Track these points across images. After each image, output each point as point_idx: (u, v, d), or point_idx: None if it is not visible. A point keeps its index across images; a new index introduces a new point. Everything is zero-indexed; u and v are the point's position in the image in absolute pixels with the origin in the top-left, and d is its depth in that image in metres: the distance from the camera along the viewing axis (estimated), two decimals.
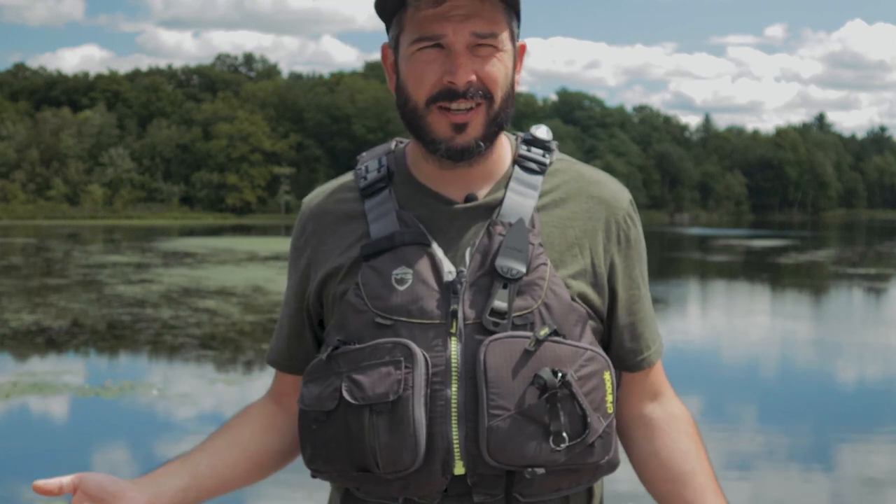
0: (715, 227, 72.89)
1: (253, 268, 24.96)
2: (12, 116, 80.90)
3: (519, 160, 1.56)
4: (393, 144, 1.63)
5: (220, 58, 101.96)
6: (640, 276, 1.60)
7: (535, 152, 1.58)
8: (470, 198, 1.52)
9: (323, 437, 1.45)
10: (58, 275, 22.83)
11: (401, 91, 1.50)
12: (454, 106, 1.45)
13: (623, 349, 1.58)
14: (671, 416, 1.61)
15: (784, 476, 6.92)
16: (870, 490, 6.58)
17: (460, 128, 1.46)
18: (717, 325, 15.76)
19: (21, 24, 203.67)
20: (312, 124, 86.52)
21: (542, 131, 1.60)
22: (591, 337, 1.50)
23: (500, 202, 1.51)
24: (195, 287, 19.48)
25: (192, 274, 22.78)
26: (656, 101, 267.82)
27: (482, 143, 1.48)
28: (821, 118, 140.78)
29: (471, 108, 1.46)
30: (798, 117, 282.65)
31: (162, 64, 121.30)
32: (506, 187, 1.53)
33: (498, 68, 1.46)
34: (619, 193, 1.60)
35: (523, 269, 1.45)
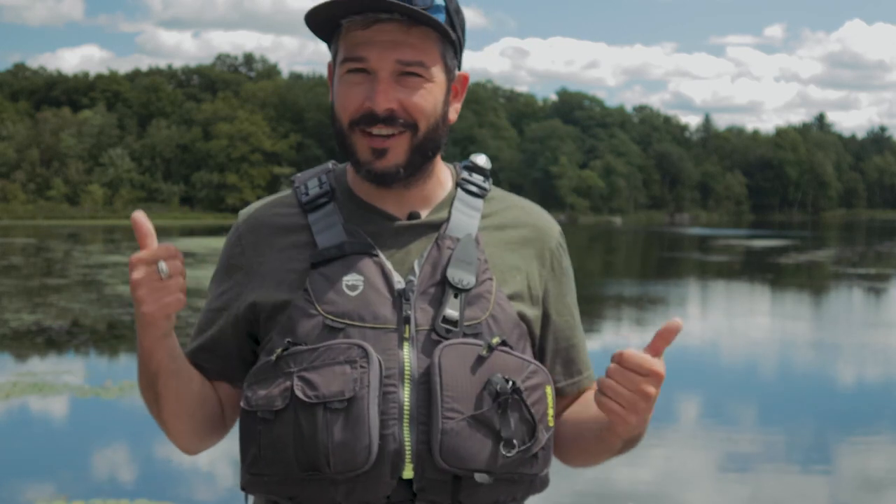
0: (715, 227, 72.88)
1: None
2: (12, 116, 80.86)
3: (461, 183, 1.61)
4: (330, 164, 1.66)
5: (220, 58, 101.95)
6: (572, 303, 1.66)
7: (476, 178, 1.62)
8: (413, 215, 1.56)
9: (270, 437, 1.44)
10: (58, 275, 22.84)
11: (332, 109, 1.54)
12: (374, 131, 1.48)
13: (555, 373, 1.62)
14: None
15: (783, 476, 6.92)
16: (869, 490, 6.58)
17: (379, 153, 1.49)
18: (717, 325, 15.76)
19: (21, 24, 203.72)
20: (312, 124, 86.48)
21: (481, 160, 1.64)
22: (532, 354, 1.55)
23: (445, 220, 1.56)
24: (195, 287, 19.43)
25: (192, 274, 22.75)
26: (656, 102, 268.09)
27: (403, 170, 1.50)
28: (821, 118, 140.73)
29: (392, 135, 1.48)
30: (798, 117, 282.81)
31: (162, 64, 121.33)
32: (450, 207, 1.58)
33: (424, 98, 1.48)
34: (551, 224, 1.66)
35: (473, 280, 1.49)
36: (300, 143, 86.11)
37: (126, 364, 11.62)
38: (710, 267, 29.23)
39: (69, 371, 10.51)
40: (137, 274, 1.39)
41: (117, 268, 24.66)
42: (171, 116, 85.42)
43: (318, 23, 1.49)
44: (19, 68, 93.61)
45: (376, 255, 1.50)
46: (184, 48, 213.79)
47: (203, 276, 22.64)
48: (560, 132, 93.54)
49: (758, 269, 28.98)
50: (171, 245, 1.41)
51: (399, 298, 1.47)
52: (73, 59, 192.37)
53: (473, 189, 1.60)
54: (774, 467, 7.11)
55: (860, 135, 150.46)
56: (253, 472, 1.48)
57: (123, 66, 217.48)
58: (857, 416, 8.84)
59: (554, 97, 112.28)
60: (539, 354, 1.60)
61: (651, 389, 1.39)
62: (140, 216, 1.42)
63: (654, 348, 1.41)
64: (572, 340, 1.64)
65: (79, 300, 17.22)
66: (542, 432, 1.46)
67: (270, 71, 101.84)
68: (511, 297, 1.54)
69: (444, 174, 1.62)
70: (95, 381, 9.88)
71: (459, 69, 1.57)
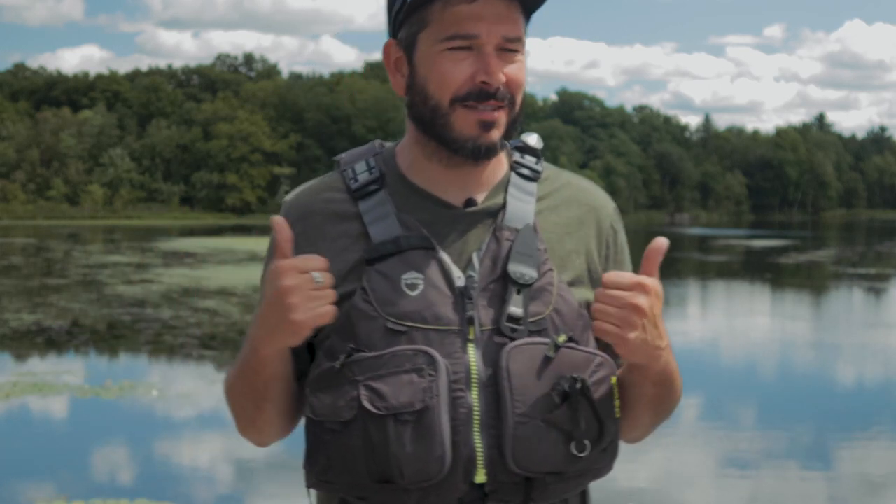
0: (715, 227, 72.87)
1: (253, 268, 24.95)
2: (12, 116, 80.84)
3: (515, 166, 1.56)
4: (377, 144, 1.60)
5: (220, 58, 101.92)
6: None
7: (529, 159, 1.57)
8: (470, 202, 1.51)
9: (339, 448, 1.40)
10: (58, 275, 22.83)
11: (417, 90, 1.48)
12: (481, 107, 1.44)
13: (612, 352, 1.56)
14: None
15: (783, 476, 6.92)
16: (868, 490, 6.58)
17: (488, 126, 1.45)
18: (717, 325, 15.76)
19: (21, 24, 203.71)
20: (312, 124, 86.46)
21: (533, 139, 1.60)
22: (595, 344, 1.50)
23: (501, 207, 1.51)
24: (195, 287, 19.48)
25: (192, 274, 22.78)
26: (655, 102, 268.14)
27: (499, 145, 1.49)
28: (821, 118, 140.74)
29: (496, 109, 1.46)
30: (797, 117, 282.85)
31: (162, 64, 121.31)
32: (505, 192, 1.53)
33: (521, 73, 1.48)
34: (605, 201, 1.63)
35: (535, 275, 1.45)
36: (300, 143, 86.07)
37: (126, 364, 11.62)
38: (710, 267, 29.24)
39: (69, 371, 10.51)
40: (290, 280, 1.34)
41: (117, 268, 24.66)
42: (171, 116, 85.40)
43: None
44: (19, 68, 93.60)
45: (434, 250, 1.45)
46: (184, 48, 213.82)
47: (203, 275, 22.70)
48: (560, 132, 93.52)
49: (758, 269, 28.98)
50: (318, 256, 1.38)
51: (460, 297, 1.43)
52: (73, 59, 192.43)
53: (526, 172, 1.56)
54: (774, 467, 7.11)
55: (860, 135, 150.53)
56: (322, 479, 1.45)
57: (123, 66, 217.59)
58: (857, 417, 8.84)
59: (554, 97, 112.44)
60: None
61: (639, 300, 1.37)
62: (280, 220, 1.39)
63: (646, 271, 1.41)
64: None
65: (79, 300, 17.22)
66: (609, 425, 1.44)
67: (270, 71, 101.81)
68: (571, 283, 1.50)
69: (499, 156, 1.56)
70: (95, 381, 9.87)
71: None
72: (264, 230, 54.70)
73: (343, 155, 1.58)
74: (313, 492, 1.53)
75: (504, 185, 1.54)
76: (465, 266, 1.46)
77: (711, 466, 7.12)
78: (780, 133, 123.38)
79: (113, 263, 26.23)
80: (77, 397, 9.28)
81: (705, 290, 22.48)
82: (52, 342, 12.64)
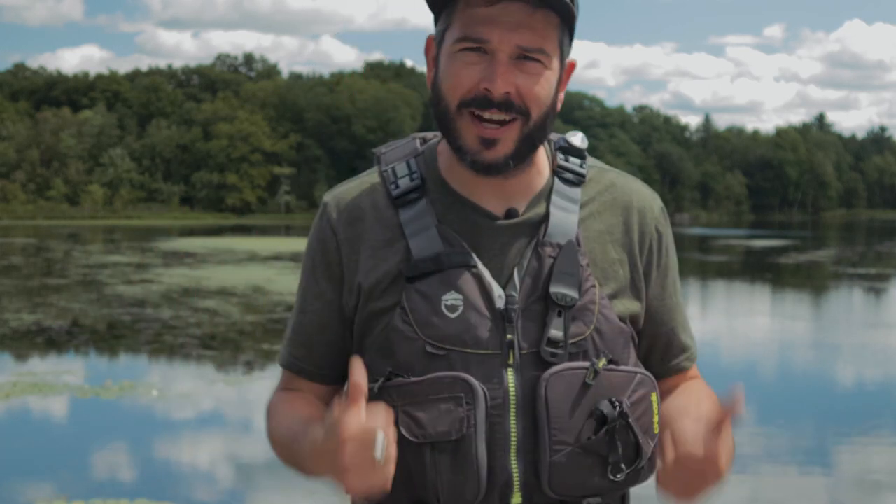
0: (715, 227, 72.88)
1: (253, 268, 24.95)
2: (12, 116, 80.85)
3: (558, 171, 1.51)
4: (418, 143, 1.55)
5: (220, 58, 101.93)
6: (672, 283, 1.57)
7: (573, 162, 1.52)
8: (511, 212, 1.47)
9: None
10: (58, 275, 22.84)
11: (436, 88, 1.44)
12: (486, 115, 1.39)
13: (657, 357, 1.57)
14: (688, 385, 1.61)
15: (783, 476, 6.92)
16: (868, 491, 6.58)
17: (489, 143, 1.40)
18: (717, 325, 15.77)
19: (20, 24, 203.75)
20: (312, 124, 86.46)
21: (577, 139, 1.55)
22: (636, 357, 1.49)
23: (543, 218, 1.47)
24: (195, 287, 19.47)
25: (192, 274, 22.78)
26: (655, 102, 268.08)
27: (512, 161, 1.42)
28: (821, 118, 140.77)
29: (504, 123, 1.40)
30: (797, 117, 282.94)
31: (161, 64, 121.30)
32: (547, 201, 1.48)
33: (541, 86, 1.40)
34: (651, 202, 1.56)
35: (577, 296, 1.42)
36: (300, 143, 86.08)
37: (126, 364, 11.62)
38: (710, 267, 29.23)
39: (69, 371, 10.51)
40: (351, 454, 1.23)
41: (117, 268, 24.66)
42: (171, 116, 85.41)
43: None
44: (19, 68, 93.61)
45: (475, 267, 1.42)
46: (183, 48, 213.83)
47: (203, 275, 22.70)
48: (560, 132, 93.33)
49: (758, 269, 28.98)
50: (385, 406, 1.27)
51: (500, 319, 1.40)
52: (73, 59, 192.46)
53: (570, 177, 1.50)
54: (774, 467, 7.11)
55: (860, 135, 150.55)
56: (363, 497, 1.41)
57: (123, 66, 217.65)
58: (857, 417, 8.84)
59: None
60: (642, 340, 1.55)
61: (711, 472, 1.35)
62: (358, 367, 1.25)
63: (718, 429, 1.39)
64: (671, 324, 1.56)
65: (79, 300, 17.22)
66: (647, 445, 1.42)
67: (270, 71, 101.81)
68: (614, 296, 1.47)
69: (541, 159, 1.52)
70: (95, 381, 9.87)
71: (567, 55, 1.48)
72: (264, 230, 54.74)
73: (382, 149, 1.54)
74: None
75: (547, 193, 1.49)
76: (506, 283, 1.43)
77: None
78: (780, 133, 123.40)
79: (113, 263, 26.23)
80: (77, 397, 9.28)
81: (705, 290, 22.48)
82: (52, 342, 12.64)
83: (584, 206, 1.50)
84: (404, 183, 1.48)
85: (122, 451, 7.59)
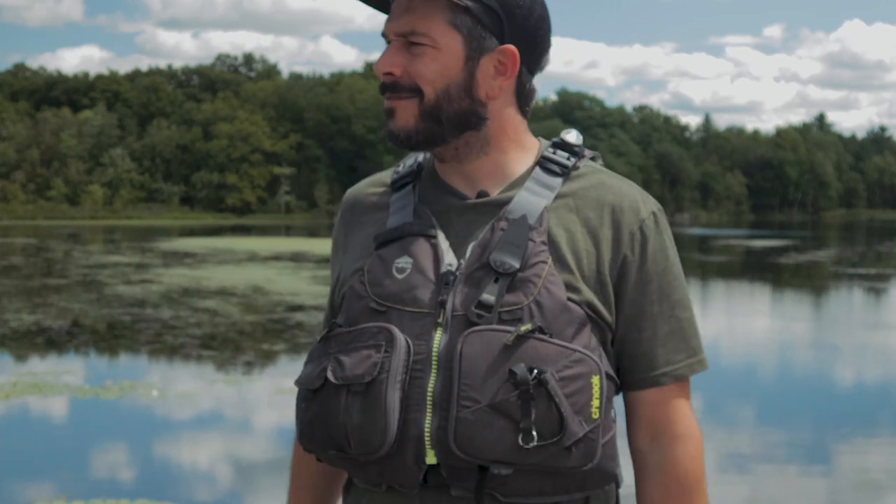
0: (715, 227, 72.88)
1: (253, 268, 24.96)
2: (12, 116, 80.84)
3: (541, 161, 1.56)
4: None
5: (220, 58, 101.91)
6: (655, 291, 1.52)
7: (560, 155, 1.57)
8: (482, 194, 1.54)
9: (308, 415, 1.48)
10: (58, 275, 22.84)
11: None
12: (388, 95, 1.52)
13: (622, 364, 1.54)
14: (660, 467, 1.53)
15: (782, 476, 6.93)
16: (867, 491, 6.58)
17: (389, 113, 1.53)
18: (717, 325, 15.77)
19: (20, 24, 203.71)
20: (312, 124, 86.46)
21: (572, 136, 1.61)
22: (589, 341, 1.44)
23: (510, 199, 1.52)
24: (195, 287, 19.48)
25: (192, 274, 22.78)
26: (655, 102, 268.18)
27: (413, 135, 1.51)
28: (821, 118, 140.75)
29: (396, 99, 1.51)
30: (797, 117, 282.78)
31: (161, 64, 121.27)
32: (520, 186, 1.54)
33: (426, 65, 1.48)
34: (637, 204, 1.55)
35: (516, 265, 1.44)
36: (300, 143, 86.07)
37: (126, 364, 11.63)
38: (710, 267, 29.23)
39: (69, 371, 10.52)
40: None
41: (117, 268, 24.66)
42: (171, 116, 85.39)
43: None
44: (19, 68, 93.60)
45: (433, 237, 1.50)
46: (183, 48, 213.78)
47: (203, 275, 22.69)
48: (560, 132, 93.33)
49: (758, 269, 28.99)
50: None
51: (441, 282, 1.46)
52: (73, 60, 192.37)
53: (554, 168, 1.55)
54: (773, 467, 7.11)
55: (860, 135, 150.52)
56: (303, 444, 1.53)
57: (123, 67, 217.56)
58: (857, 417, 8.85)
59: (554, 97, 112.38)
60: (622, 344, 1.52)
61: None
62: None
63: None
64: (646, 333, 1.52)
65: (79, 300, 17.23)
66: (576, 425, 1.38)
67: (270, 71, 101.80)
68: (573, 282, 1.46)
69: (516, 153, 1.56)
70: (95, 381, 9.88)
71: (505, 42, 1.50)
72: (264, 230, 54.75)
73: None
74: None
75: (523, 180, 1.55)
76: (462, 254, 1.49)
77: (710, 466, 7.12)
78: (780, 133, 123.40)
79: (113, 263, 26.23)
80: (77, 397, 9.28)
81: (705, 290, 22.48)
82: (52, 342, 12.64)
83: (563, 197, 1.53)
84: (404, 171, 1.62)
85: (122, 451, 7.60)
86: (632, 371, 1.54)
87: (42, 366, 10.92)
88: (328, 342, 1.49)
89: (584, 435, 1.39)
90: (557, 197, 1.52)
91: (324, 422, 1.45)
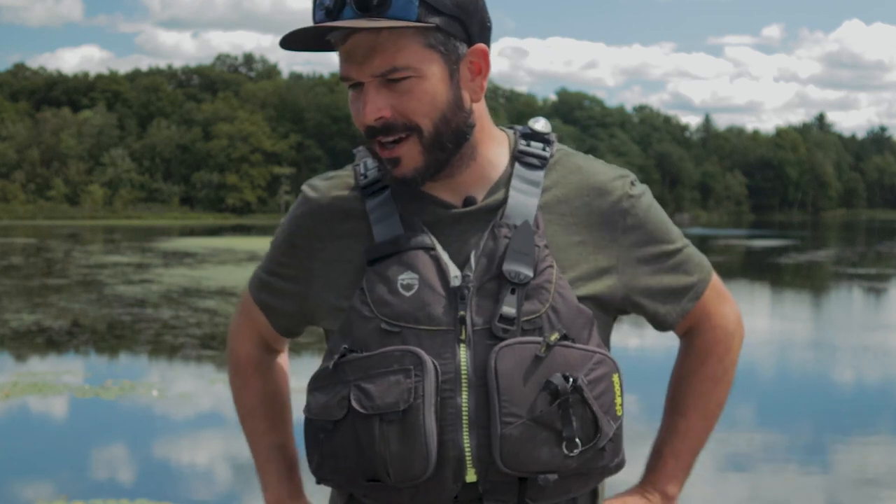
0: (715, 227, 72.87)
1: (253, 268, 24.84)
2: (12, 116, 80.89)
3: (518, 156, 1.52)
4: None
5: (220, 58, 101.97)
6: (654, 249, 1.56)
7: (535, 146, 1.54)
8: (469, 201, 1.49)
9: (331, 447, 1.44)
10: (58, 275, 22.84)
11: None
12: (382, 140, 1.44)
13: (660, 313, 1.59)
14: (700, 351, 1.65)
15: (781, 476, 6.93)
16: (866, 490, 6.58)
17: (393, 162, 1.45)
18: None
19: (20, 24, 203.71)
20: (312, 124, 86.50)
21: (540, 124, 1.57)
22: (598, 339, 1.47)
23: (502, 202, 1.48)
24: (195, 287, 19.48)
25: (192, 274, 22.78)
26: (655, 102, 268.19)
27: (423, 173, 1.45)
28: (821, 118, 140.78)
29: (400, 140, 1.43)
30: (797, 117, 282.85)
31: (161, 64, 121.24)
32: (506, 186, 1.50)
33: (418, 98, 1.41)
34: (612, 179, 1.55)
35: (530, 274, 1.43)
36: (300, 143, 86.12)
37: (126, 364, 11.63)
38: None
39: (69, 371, 10.51)
40: None
41: (117, 268, 24.66)
42: (171, 116, 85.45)
43: (305, 43, 1.45)
44: (19, 68, 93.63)
45: (433, 250, 1.45)
46: (183, 48, 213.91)
47: (203, 275, 22.69)
48: (560, 132, 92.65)
49: (758, 269, 28.99)
50: None
51: (454, 297, 1.42)
52: (73, 60, 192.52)
53: (532, 161, 1.52)
54: (773, 467, 7.11)
55: (860, 135, 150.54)
56: (319, 475, 1.49)
57: (123, 67, 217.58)
58: (856, 416, 8.85)
59: (553, 97, 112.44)
60: (637, 309, 1.57)
61: None
62: None
63: None
64: (664, 281, 1.56)
65: (79, 300, 17.22)
66: (607, 425, 1.42)
67: (270, 71, 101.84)
68: (577, 279, 1.47)
69: (494, 149, 1.53)
70: (95, 381, 9.88)
71: (472, 43, 1.46)
72: (264, 230, 54.70)
73: (361, 147, 1.58)
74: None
75: (506, 180, 1.51)
76: (464, 265, 1.45)
77: (709, 466, 7.13)
78: (781, 133, 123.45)
79: (113, 263, 26.23)
80: (77, 397, 9.28)
81: None
82: (52, 342, 12.64)
83: (548, 190, 1.52)
84: (372, 174, 1.53)
85: (122, 451, 7.60)
86: (670, 313, 1.60)
87: (42, 366, 10.92)
88: (341, 369, 1.43)
89: (613, 434, 1.45)
90: (543, 191, 1.51)
91: (355, 453, 1.41)
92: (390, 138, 1.43)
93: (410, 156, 1.44)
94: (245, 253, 30.99)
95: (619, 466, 1.52)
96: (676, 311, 1.59)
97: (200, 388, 9.86)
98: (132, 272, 23.39)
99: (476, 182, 1.51)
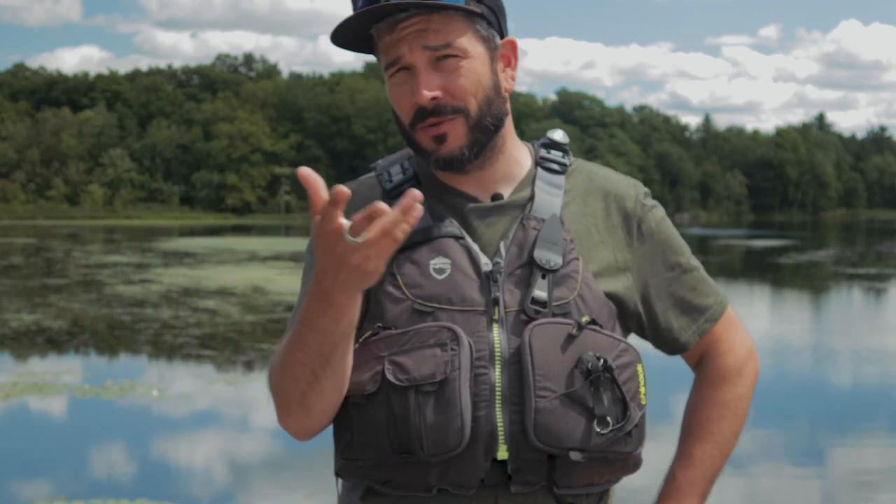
0: (715, 227, 72.88)
1: (253, 268, 24.97)
2: (12, 116, 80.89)
3: (541, 162, 1.60)
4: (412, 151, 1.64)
5: (220, 58, 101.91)
6: (670, 259, 1.63)
7: (555, 154, 1.62)
8: (497, 196, 1.56)
9: (363, 422, 1.44)
10: (58, 275, 22.84)
11: (394, 113, 1.55)
12: (431, 121, 1.48)
13: (674, 330, 1.63)
14: (712, 378, 1.67)
15: (778, 476, 6.94)
16: (863, 491, 6.59)
17: (440, 139, 1.49)
18: None
19: (19, 24, 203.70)
20: (312, 124, 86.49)
21: (558, 135, 1.65)
22: (621, 332, 1.55)
23: (528, 200, 1.55)
24: (195, 287, 19.48)
25: (192, 274, 22.79)
26: (653, 102, 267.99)
27: (467, 151, 1.50)
28: (821, 118, 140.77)
29: (443, 122, 1.48)
30: (796, 117, 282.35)
31: (160, 64, 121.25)
32: (532, 186, 1.57)
33: (466, 77, 1.48)
34: (628, 187, 1.64)
35: (560, 261, 1.49)
36: (300, 143, 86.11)
37: (126, 364, 11.63)
38: (710, 267, 28.73)
39: (69, 371, 10.53)
40: (376, 234, 1.24)
41: (117, 268, 24.66)
42: (171, 116, 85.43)
43: (349, 40, 1.52)
44: (19, 68, 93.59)
45: (462, 238, 1.50)
46: (181, 48, 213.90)
47: (203, 275, 22.70)
48: (558, 131, 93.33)
49: (758, 269, 29.00)
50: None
51: (487, 280, 1.47)
52: (72, 60, 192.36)
53: (554, 166, 1.60)
54: (770, 467, 7.12)
55: (859, 135, 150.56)
56: (347, 457, 1.48)
57: (122, 67, 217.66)
58: (853, 417, 8.86)
59: (553, 97, 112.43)
60: (647, 320, 1.61)
61: None
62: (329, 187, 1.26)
63: None
64: (679, 293, 1.63)
65: (79, 300, 17.23)
66: (634, 410, 1.47)
67: (270, 71, 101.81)
68: (598, 275, 1.53)
69: (520, 152, 1.61)
70: (95, 381, 9.89)
71: (504, 35, 1.55)
72: (264, 230, 54.72)
73: (379, 161, 1.62)
74: (341, 482, 1.55)
75: (531, 180, 1.58)
76: (493, 254, 1.50)
77: None
78: (780, 133, 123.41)
79: (113, 263, 26.24)
80: (77, 397, 9.29)
81: None
82: (52, 342, 12.65)
83: (568, 193, 1.59)
84: (398, 178, 1.58)
85: (122, 451, 7.61)
86: (682, 330, 1.64)
87: (42, 366, 10.93)
88: (374, 345, 1.45)
89: (639, 420, 1.49)
90: (565, 193, 1.58)
91: (388, 426, 1.42)
92: (438, 120, 1.47)
93: (456, 134, 1.48)
94: (245, 253, 31.00)
95: (637, 465, 1.55)
96: (692, 329, 1.64)
97: (200, 388, 9.87)
98: (132, 272, 23.40)
99: (503, 178, 1.58)
